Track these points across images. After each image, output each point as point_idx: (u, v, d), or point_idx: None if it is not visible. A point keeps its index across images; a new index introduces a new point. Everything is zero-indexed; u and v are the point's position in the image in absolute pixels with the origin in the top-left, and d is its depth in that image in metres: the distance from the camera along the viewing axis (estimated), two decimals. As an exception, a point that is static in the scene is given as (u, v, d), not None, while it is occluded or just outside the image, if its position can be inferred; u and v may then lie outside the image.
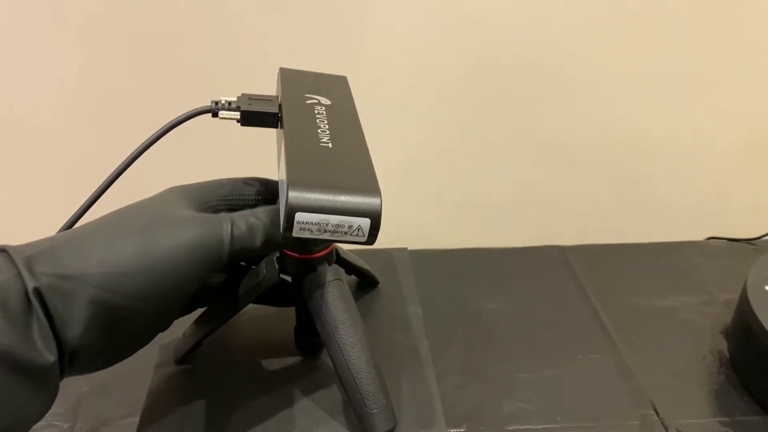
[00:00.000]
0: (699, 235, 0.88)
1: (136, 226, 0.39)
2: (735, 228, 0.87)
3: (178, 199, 0.43)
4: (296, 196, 0.37)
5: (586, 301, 0.74)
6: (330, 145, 0.43)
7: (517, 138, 0.81)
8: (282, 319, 0.58)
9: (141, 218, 0.40)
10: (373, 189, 0.39)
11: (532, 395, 0.62)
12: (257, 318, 0.61)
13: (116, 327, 0.37)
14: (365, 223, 0.38)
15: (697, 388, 0.63)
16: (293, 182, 0.37)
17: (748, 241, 0.86)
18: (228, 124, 0.49)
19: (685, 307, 0.74)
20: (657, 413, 0.60)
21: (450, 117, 0.78)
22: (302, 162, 0.39)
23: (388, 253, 0.71)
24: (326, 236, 0.38)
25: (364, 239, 0.39)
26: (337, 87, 0.52)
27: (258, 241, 0.42)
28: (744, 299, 0.64)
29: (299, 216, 0.37)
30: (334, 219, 0.38)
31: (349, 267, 0.63)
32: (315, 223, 0.38)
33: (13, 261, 0.35)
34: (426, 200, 0.83)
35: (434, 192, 0.83)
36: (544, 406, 0.61)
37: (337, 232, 0.38)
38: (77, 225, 0.42)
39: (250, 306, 0.53)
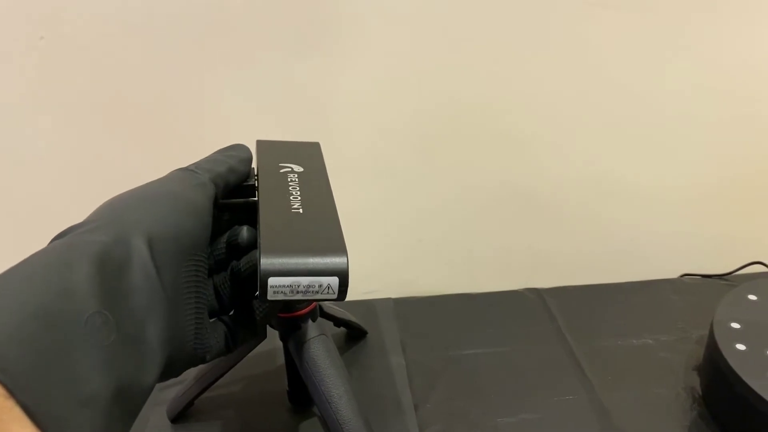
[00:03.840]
0: (673, 273, 0.91)
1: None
2: (709, 264, 0.91)
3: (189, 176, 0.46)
4: (268, 262, 0.40)
5: (563, 343, 0.77)
6: (301, 210, 0.46)
7: (492, 187, 0.85)
8: (273, 373, 0.61)
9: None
10: (340, 249, 0.42)
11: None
12: (249, 374, 0.63)
13: None
14: (334, 281, 0.41)
15: (671, 425, 0.66)
16: (266, 249, 0.41)
17: (720, 276, 0.89)
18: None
19: (659, 345, 0.77)
20: (632, 452, 0.62)
21: (428, 169, 0.82)
22: (274, 230, 0.43)
23: (372, 304, 0.75)
24: (299, 296, 0.41)
25: (335, 296, 0.42)
26: (309, 153, 0.56)
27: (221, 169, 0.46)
28: (711, 337, 0.67)
29: (272, 281, 0.40)
30: (305, 280, 0.41)
31: (337, 320, 0.66)
32: (287, 286, 0.41)
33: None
34: (408, 248, 0.86)
35: (416, 239, 0.86)
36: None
37: (309, 291, 0.41)
38: None
39: (241, 363, 0.56)
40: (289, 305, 0.53)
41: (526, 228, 0.88)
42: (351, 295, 0.71)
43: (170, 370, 0.40)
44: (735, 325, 0.68)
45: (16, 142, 0.76)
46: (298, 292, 0.41)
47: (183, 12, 0.70)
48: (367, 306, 0.74)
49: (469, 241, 0.88)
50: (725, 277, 0.89)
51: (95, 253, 0.34)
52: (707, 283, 0.89)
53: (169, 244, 0.39)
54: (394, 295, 0.84)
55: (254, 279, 0.47)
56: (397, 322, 0.76)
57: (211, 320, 0.45)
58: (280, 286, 0.40)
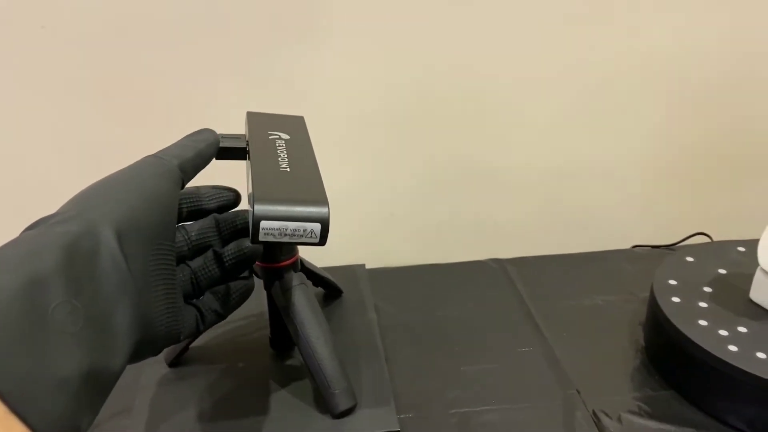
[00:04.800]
0: (625, 244, 0.99)
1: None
2: (658, 236, 0.99)
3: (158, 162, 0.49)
4: (261, 208, 0.47)
5: (521, 305, 0.85)
6: (288, 169, 0.53)
7: (458, 165, 0.93)
8: (257, 323, 0.68)
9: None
10: (322, 200, 0.49)
11: (472, 384, 0.72)
12: (236, 323, 0.70)
13: None
14: (317, 227, 0.49)
15: (615, 372, 0.74)
16: (259, 198, 0.48)
17: (668, 246, 0.98)
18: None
19: (608, 305, 0.85)
20: (579, 393, 0.70)
21: (398, 148, 0.90)
22: (265, 182, 0.50)
23: (350, 269, 0.82)
24: (286, 239, 0.49)
25: (317, 240, 0.49)
26: (294, 124, 0.63)
27: (189, 154, 0.50)
28: (652, 293, 0.75)
29: (264, 224, 0.47)
30: (292, 225, 0.48)
31: (317, 279, 0.73)
32: (276, 229, 0.48)
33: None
34: (381, 222, 0.94)
35: (388, 213, 0.93)
36: (482, 392, 0.70)
37: (295, 235, 0.49)
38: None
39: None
40: (273, 255, 0.60)
41: (490, 203, 0.96)
42: (328, 262, 0.78)
43: (146, 349, 0.44)
44: (672, 282, 0.76)
45: (15, 130, 0.82)
46: (285, 235, 0.48)
47: (174, 2, 0.77)
48: (343, 271, 0.82)
49: (437, 215, 0.95)
50: (672, 247, 0.98)
51: (65, 243, 0.35)
52: (656, 253, 0.97)
53: (137, 233, 0.40)
54: (370, 265, 0.91)
55: (239, 263, 0.54)
56: (374, 287, 0.83)
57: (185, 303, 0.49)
58: (270, 229, 0.47)
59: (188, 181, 0.50)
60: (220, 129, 0.61)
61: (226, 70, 0.81)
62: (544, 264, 0.94)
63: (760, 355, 0.64)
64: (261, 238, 0.47)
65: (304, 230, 0.48)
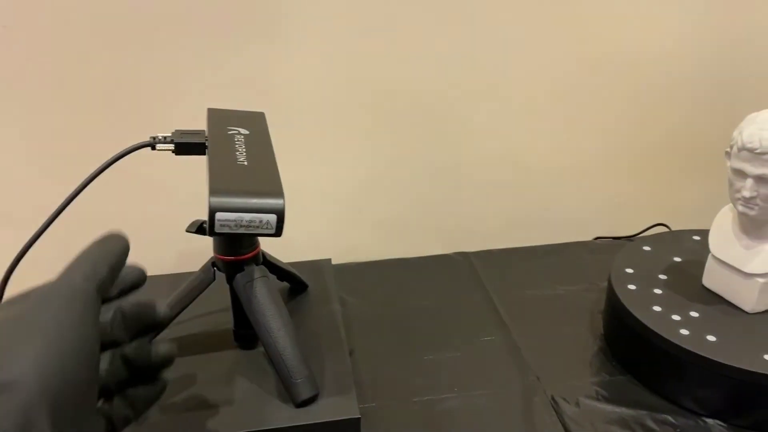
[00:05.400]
0: (588, 236, 1.02)
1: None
2: (620, 228, 1.01)
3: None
4: (215, 200, 0.48)
5: (484, 296, 0.86)
6: (246, 162, 0.55)
7: (424, 162, 0.94)
8: (221, 316, 0.69)
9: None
10: (278, 192, 0.50)
11: (435, 372, 0.73)
12: (199, 316, 0.71)
13: None
14: (272, 218, 0.50)
15: (575, 358, 0.76)
16: (213, 190, 0.49)
17: (629, 238, 1.00)
18: (165, 154, 0.60)
19: (569, 294, 0.87)
20: (539, 380, 0.72)
21: (365, 146, 0.91)
22: (221, 175, 0.51)
23: (316, 264, 0.83)
24: (242, 230, 0.50)
25: (273, 231, 0.50)
26: (255, 120, 0.64)
27: (103, 272, 0.41)
28: (609, 281, 0.77)
29: (219, 215, 0.49)
30: (247, 216, 0.49)
31: (282, 273, 0.75)
32: (232, 220, 0.49)
33: None
34: (350, 219, 0.95)
35: (357, 210, 0.95)
36: (445, 380, 0.72)
37: (251, 226, 0.50)
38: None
39: (195, 308, 0.65)
40: (235, 249, 0.61)
41: (455, 198, 0.98)
42: (295, 257, 0.79)
43: None
44: (629, 270, 0.78)
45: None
46: (241, 226, 0.49)
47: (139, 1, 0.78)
48: (309, 265, 0.83)
49: (404, 211, 0.97)
50: (633, 238, 1.00)
51: None
52: (617, 244, 1.00)
53: (67, 409, 0.35)
54: (338, 260, 0.93)
55: (141, 363, 0.44)
56: (337, 280, 0.84)
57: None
58: (225, 220, 0.48)
59: (102, 300, 0.41)
60: (185, 125, 0.62)
61: (191, 68, 0.82)
62: (508, 256, 0.96)
63: (710, 338, 0.66)
64: (217, 229, 0.49)
65: (260, 221, 0.49)
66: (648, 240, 0.85)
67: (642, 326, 0.69)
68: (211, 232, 0.48)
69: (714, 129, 0.89)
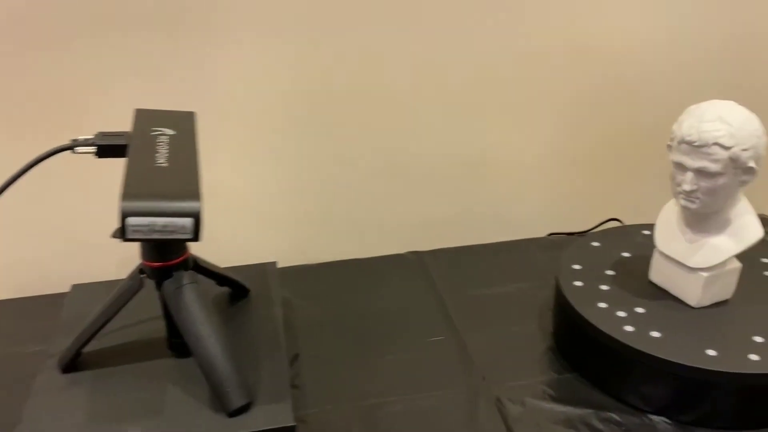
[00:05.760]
0: (542, 233, 1.01)
1: None
2: (573, 223, 1.00)
3: None
4: (126, 205, 0.46)
5: (436, 296, 0.85)
6: (166, 165, 0.53)
7: (373, 161, 0.93)
8: (155, 325, 0.67)
9: None
10: (195, 195, 0.48)
11: (381, 375, 0.72)
12: (133, 327, 0.69)
13: None
14: (188, 222, 0.48)
15: (523, 358, 0.74)
16: (125, 194, 0.47)
17: (582, 233, 0.99)
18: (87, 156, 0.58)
19: (520, 292, 0.86)
20: (485, 380, 0.71)
21: (312, 147, 0.89)
22: (135, 179, 0.49)
23: (260, 267, 0.81)
24: (156, 236, 0.48)
25: (190, 236, 0.48)
26: (183, 120, 0.62)
27: None
28: (557, 278, 0.76)
29: (130, 220, 0.46)
30: (161, 221, 0.47)
31: (221, 279, 0.72)
32: (145, 225, 0.47)
33: None
34: (298, 220, 0.93)
35: (304, 212, 0.93)
36: (390, 383, 0.70)
37: (166, 231, 0.48)
38: None
39: (125, 314, 0.63)
40: (162, 254, 0.59)
41: (408, 197, 0.96)
42: (241, 260, 0.77)
43: None
44: (576, 267, 0.77)
45: None
46: (155, 231, 0.47)
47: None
48: (253, 269, 0.81)
49: (356, 211, 0.95)
50: (586, 233, 0.99)
51: None
52: (570, 240, 0.99)
53: None
54: (286, 264, 0.91)
55: None
56: (286, 283, 0.83)
57: None
58: (138, 225, 0.46)
59: None
60: (117, 127, 0.60)
61: (124, 69, 0.79)
62: (461, 255, 0.95)
63: (655, 334, 0.65)
64: (129, 235, 0.46)
65: (175, 226, 0.47)
66: (597, 236, 0.84)
67: (587, 323, 0.68)
68: (124, 238, 0.46)
69: (667, 123, 0.89)
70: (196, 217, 0.47)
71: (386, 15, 0.83)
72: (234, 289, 0.74)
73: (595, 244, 0.82)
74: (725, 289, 0.70)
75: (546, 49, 0.89)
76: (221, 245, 0.86)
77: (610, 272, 0.76)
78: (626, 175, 1.01)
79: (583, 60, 0.91)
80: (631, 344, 0.64)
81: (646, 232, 0.84)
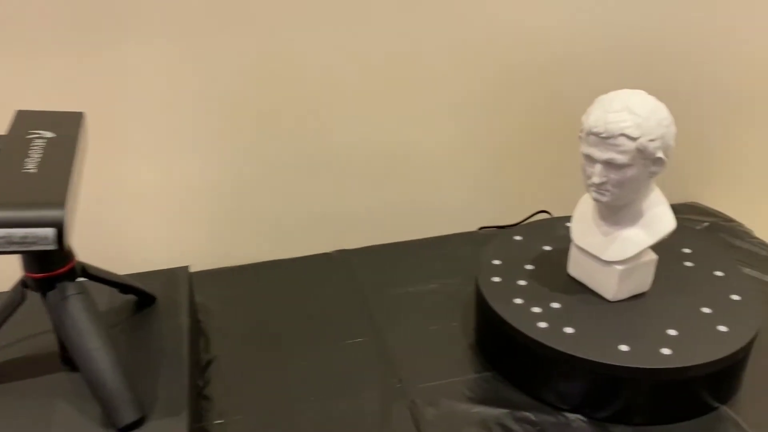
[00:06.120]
0: (473, 227, 0.99)
1: None
2: (504, 216, 0.99)
3: None
4: None
5: (359, 295, 0.83)
6: (34, 171, 0.49)
7: (296, 158, 0.90)
8: (48, 339, 0.63)
9: None
10: (58, 203, 0.45)
11: (296, 381, 0.69)
12: (25, 342, 0.65)
13: None
14: (51, 232, 0.45)
15: (443, 357, 0.73)
16: None
17: (512, 226, 0.98)
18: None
19: (445, 289, 0.84)
20: (401, 382, 0.69)
21: (229, 145, 0.86)
22: None
23: (171, 273, 0.77)
24: (15, 248, 0.44)
25: (54, 246, 0.45)
26: (67, 122, 0.59)
27: None
28: (477, 274, 0.74)
29: (-17, 232, 0.43)
30: (19, 232, 0.44)
31: (122, 287, 0.69)
32: (2, 237, 0.44)
33: None
34: (218, 221, 0.90)
35: (224, 212, 0.89)
36: (305, 388, 0.68)
37: (25, 242, 0.44)
38: None
39: (22, 330, 0.59)
40: (44, 265, 0.56)
41: (333, 195, 0.94)
42: (155, 265, 0.74)
43: None
44: (496, 262, 0.76)
45: None
46: (13, 243, 0.44)
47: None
48: (163, 275, 0.77)
49: (277, 210, 0.92)
50: (516, 226, 0.98)
51: None
52: (502, 233, 0.97)
53: None
54: (204, 267, 0.87)
55: None
56: (200, 289, 0.80)
57: None
58: (-8, 237, 0.43)
59: None
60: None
61: (13, 67, 0.75)
62: (390, 252, 0.93)
63: (568, 330, 0.64)
64: (-17, 248, 0.43)
65: (36, 236, 0.44)
66: (521, 229, 0.83)
67: (501, 320, 0.66)
68: (-22, 252, 0.43)
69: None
70: (59, 226, 0.44)
71: (300, 9, 0.80)
72: (139, 297, 0.71)
73: (518, 238, 0.81)
74: (642, 282, 0.69)
75: (463, 41, 0.87)
76: (132, 250, 0.83)
77: (529, 267, 0.74)
78: (555, 167, 1.00)
79: (502, 51, 0.89)
80: (543, 341, 0.63)
81: (569, 225, 0.82)
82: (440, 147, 0.95)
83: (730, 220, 1.00)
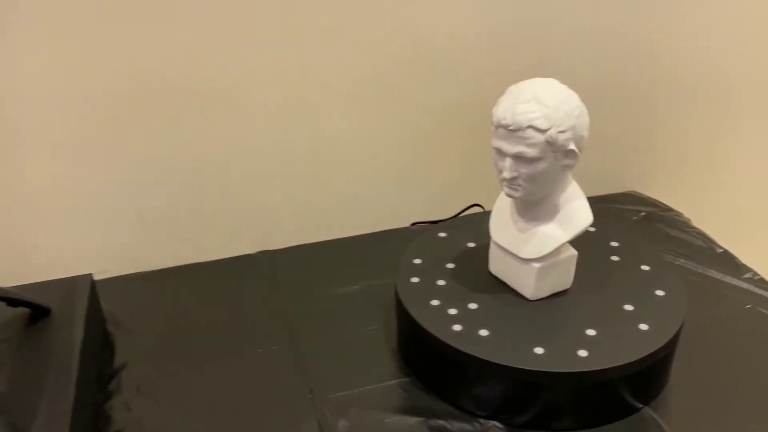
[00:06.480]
0: (405, 222, 0.95)
1: None
2: (438, 211, 0.95)
3: None
4: None
5: (281, 300, 0.78)
6: None
7: (217, 156, 0.85)
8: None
9: None
10: None
11: (203, 395, 0.65)
12: None
13: None
14: None
15: (362, 363, 0.69)
16: None
17: (445, 221, 0.94)
18: None
19: (374, 290, 0.80)
20: (312, 392, 0.65)
21: (141, 139, 0.82)
22: None
23: (70, 282, 0.73)
24: None
25: None
26: None
27: None
28: (396, 275, 0.71)
29: None
30: None
31: (11, 301, 0.64)
32: None
33: None
34: (128, 224, 0.85)
35: (134, 213, 0.85)
36: (212, 402, 0.64)
37: None
38: None
39: None
40: None
41: (258, 193, 0.89)
42: (50, 275, 0.69)
43: None
44: (417, 261, 0.72)
45: None
46: None
47: None
48: (64, 284, 0.72)
49: (192, 210, 0.87)
50: (449, 220, 0.94)
51: None
52: (435, 228, 0.93)
53: None
54: (121, 273, 0.83)
55: None
56: (110, 297, 0.75)
57: None
58: None
59: None
60: None
61: None
62: (317, 252, 0.89)
63: (483, 332, 0.61)
64: None
65: None
66: (447, 225, 0.79)
67: (415, 324, 0.63)
68: None
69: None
70: None
71: (199, 6, 0.75)
72: (32, 309, 0.66)
73: (442, 234, 0.77)
74: (562, 279, 0.66)
75: (380, 37, 0.84)
76: (32, 257, 0.78)
77: (450, 265, 0.71)
78: (487, 159, 0.96)
79: (425, 41, 0.85)
80: (455, 345, 0.60)
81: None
82: (367, 141, 0.92)
83: (669, 209, 0.97)
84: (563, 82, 0.60)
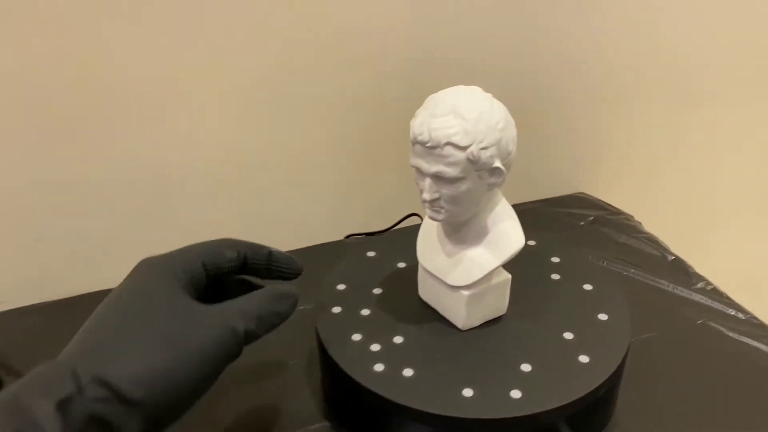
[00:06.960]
0: (339, 235, 0.88)
1: (161, 331, 0.43)
2: (374, 222, 0.89)
3: (170, 281, 0.46)
4: None
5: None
6: None
7: (124, 172, 0.78)
8: None
9: (160, 319, 0.43)
10: None
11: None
12: None
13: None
14: None
15: (275, 405, 0.62)
16: None
17: (382, 232, 0.88)
18: None
19: (300, 316, 0.72)
20: (220, 439, 0.58)
21: (36, 160, 0.74)
22: None
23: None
24: None
25: None
26: None
27: (262, 330, 0.48)
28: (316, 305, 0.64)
29: None
30: None
31: None
32: None
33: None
34: (25, 250, 0.77)
35: (32, 240, 0.76)
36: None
37: None
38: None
39: None
40: None
41: (166, 216, 0.82)
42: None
43: None
44: (341, 287, 0.65)
45: None
46: None
47: None
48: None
49: (93, 236, 0.79)
50: (386, 232, 0.88)
51: None
52: (370, 241, 0.87)
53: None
54: (21, 304, 0.75)
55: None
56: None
57: None
58: None
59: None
60: None
61: None
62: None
63: (407, 372, 0.55)
64: None
65: None
66: (376, 241, 0.73)
67: (334, 364, 0.56)
68: None
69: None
70: None
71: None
72: None
73: (371, 254, 0.71)
74: (496, 305, 0.59)
75: (310, 46, 0.77)
76: None
77: (377, 291, 0.65)
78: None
79: (352, 53, 0.78)
80: (374, 389, 0.53)
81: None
82: (295, 156, 0.85)
83: (618, 212, 0.92)
84: (492, 81, 0.54)
